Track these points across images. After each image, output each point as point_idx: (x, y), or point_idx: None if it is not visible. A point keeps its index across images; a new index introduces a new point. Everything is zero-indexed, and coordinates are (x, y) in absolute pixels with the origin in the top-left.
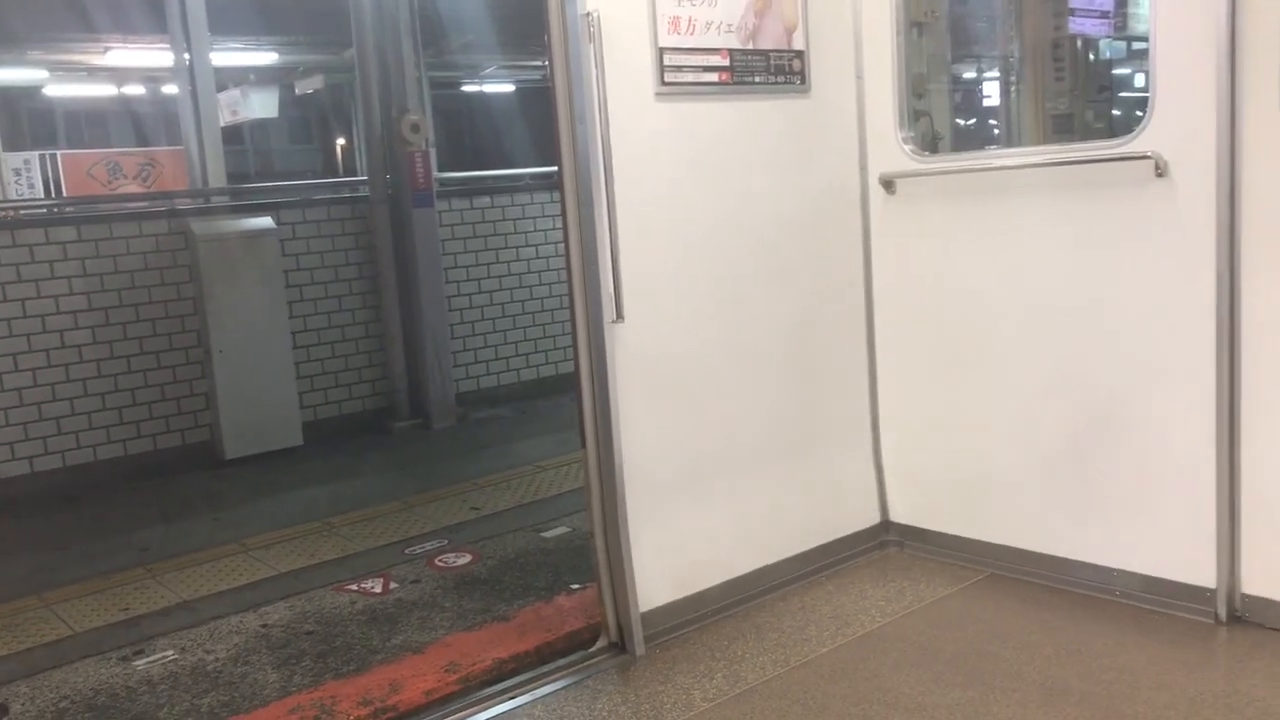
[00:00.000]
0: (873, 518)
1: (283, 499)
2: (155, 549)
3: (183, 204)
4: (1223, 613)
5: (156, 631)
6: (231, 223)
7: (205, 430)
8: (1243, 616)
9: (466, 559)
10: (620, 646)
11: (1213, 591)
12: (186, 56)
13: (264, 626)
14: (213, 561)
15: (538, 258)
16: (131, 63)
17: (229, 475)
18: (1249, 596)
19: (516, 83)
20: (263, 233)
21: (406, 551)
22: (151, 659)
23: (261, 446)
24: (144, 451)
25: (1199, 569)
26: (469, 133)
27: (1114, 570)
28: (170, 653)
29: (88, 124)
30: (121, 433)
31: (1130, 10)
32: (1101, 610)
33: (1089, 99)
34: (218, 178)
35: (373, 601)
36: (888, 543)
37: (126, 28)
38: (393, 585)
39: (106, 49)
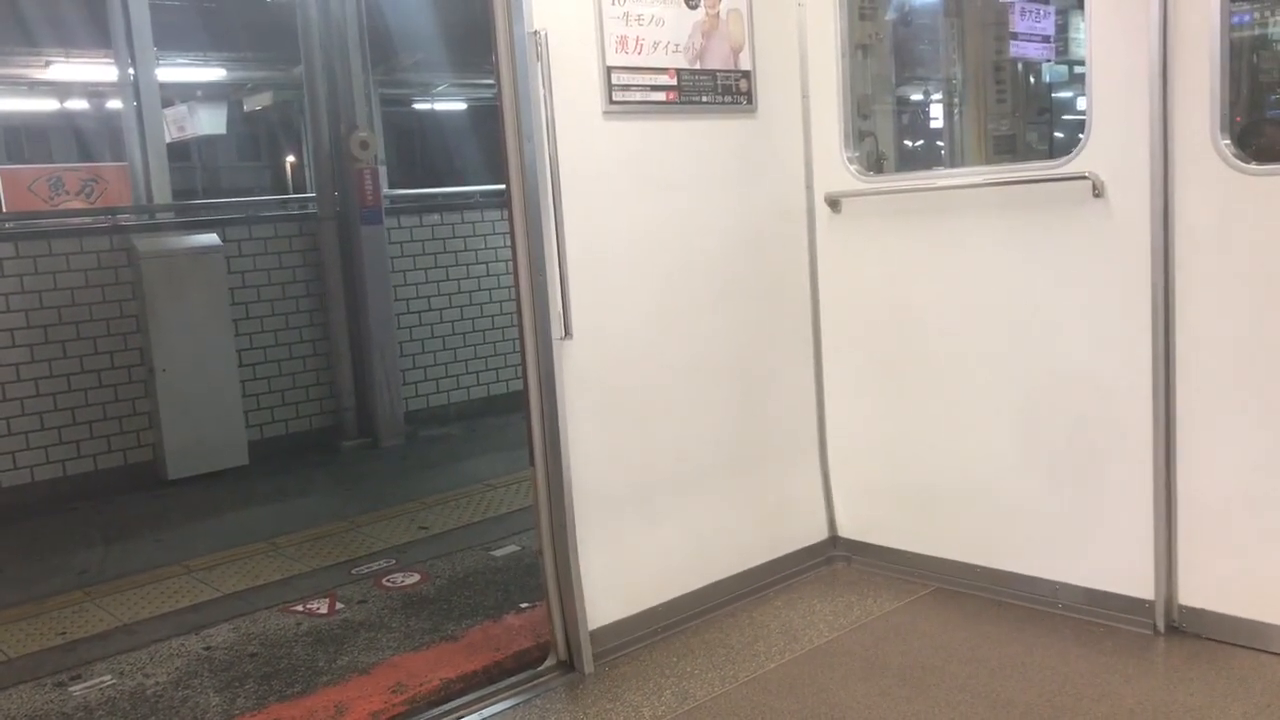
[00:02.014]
0: (820, 533)
1: (227, 519)
2: (94, 571)
3: (127, 220)
4: (1161, 624)
5: (94, 656)
6: (176, 239)
7: (148, 450)
8: (1180, 627)
9: (415, 578)
10: (569, 665)
11: (1151, 603)
12: (131, 71)
13: (206, 649)
14: (154, 584)
15: (488, 275)
16: (74, 77)
17: (172, 496)
18: (1186, 608)
19: (469, 100)
20: (208, 249)
21: (353, 572)
22: (89, 684)
23: (206, 466)
24: (84, 472)
25: (1139, 581)
26: (421, 150)
27: (1057, 584)
28: (108, 678)
29: (29, 139)
30: (60, 453)
31: (1072, 35)
32: (1045, 623)
33: (1030, 121)
34: (163, 194)
35: (319, 622)
36: (835, 558)
37: (69, 41)
38: (339, 606)
39: (48, 63)
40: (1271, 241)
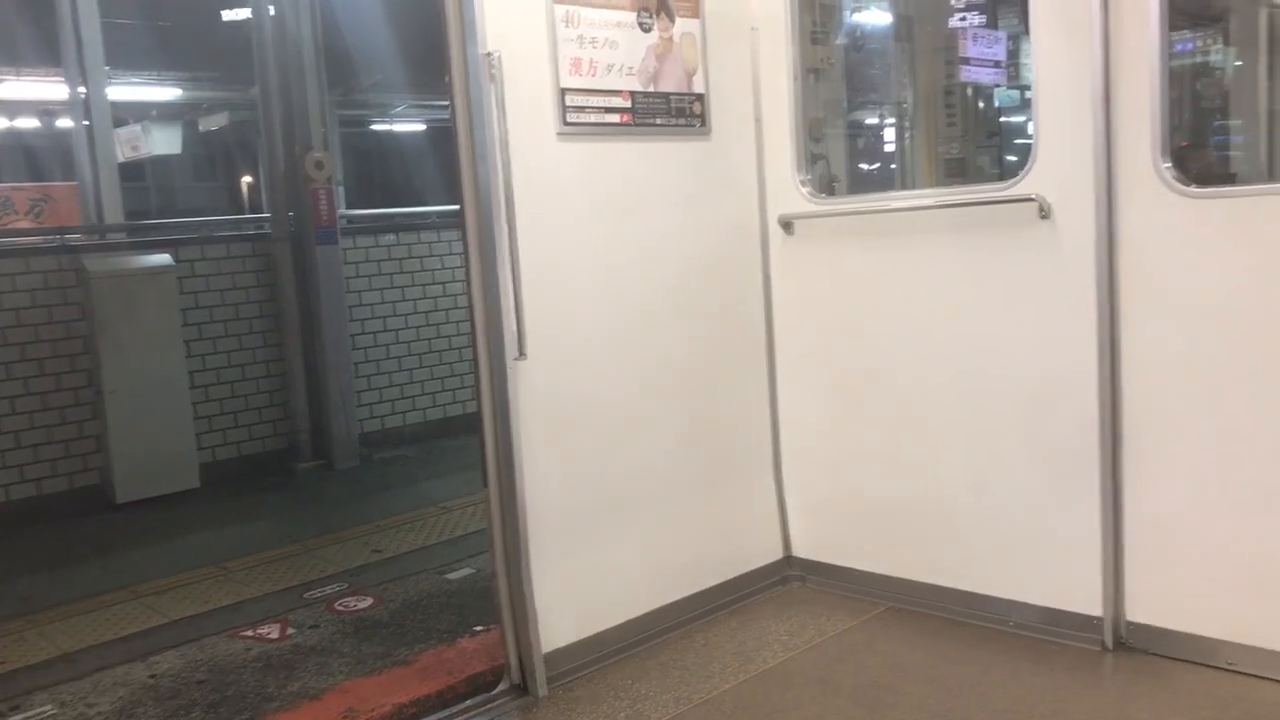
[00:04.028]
0: (775, 553)
1: (176, 543)
2: (38, 598)
3: (77, 240)
4: (1109, 640)
5: (35, 685)
6: (127, 259)
7: (95, 474)
8: (1128, 643)
9: (368, 602)
10: (523, 688)
11: (1100, 620)
12: (82, 90)
13: (152, 677)
14: (100, 610)
15: (445, 295)
16: (24, 95)
17: (120, 520)
18: (1133, 624)
19: (426, 121)
20: (160, 270)
21: (305, 596)
22: (28, 715)
23: (155, 490)
24: (27, 497)
25: (1088, 599)
26: (379, 171)
27: (1010, 602)
28: (49, 708)
29: None
30: (3, 477)
31: (1023, 61)
32: (998, 641)
33: (980, 144)
34: (114, 213)
35: (269, 647)
36: (790, 577)
37: (18, 59)
38: (290, 630)
39: None
40: (1211, 263)
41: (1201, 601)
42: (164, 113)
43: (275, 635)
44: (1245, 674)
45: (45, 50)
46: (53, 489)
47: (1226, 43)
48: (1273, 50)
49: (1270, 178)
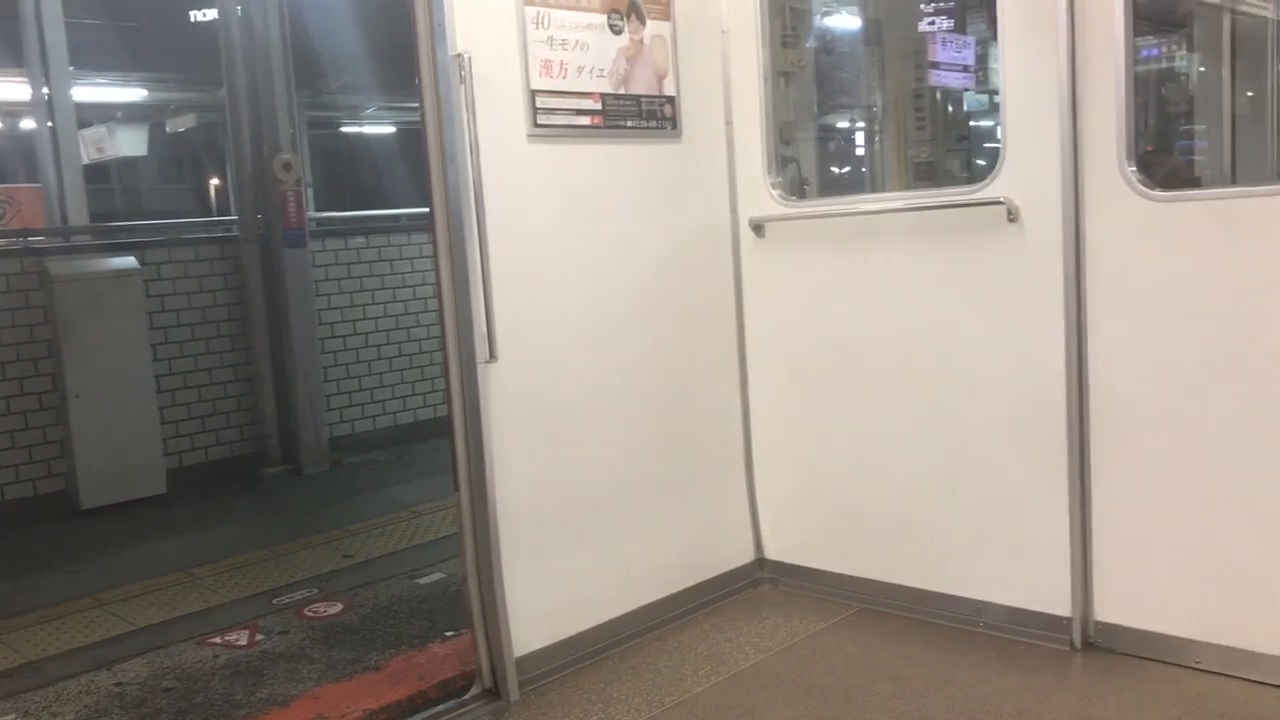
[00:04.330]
0: (747, 555)
1: (143, 550)
2: (1, 606)
3: (40, 243)
4: (1078, 640)
5: None
6: (92, 262)
7: (60, 479)
8: (1096, 643)
9: (338, 608)
10: (495, 693)
11: (1069, 620)
12: (45, 91)
13: (118, 685)
14: (64, 618)
15: (415, 299)
16: None
17: (85, 526)
18: (1102, 623)
19: (397, 123)
20: (125, 273)
21: (274, 602)
22: None
23: (121, 495)
24: None
25: (1057, 599)
26: (349, 173)
27: (979, 602)
28: (12, 717)
29: None
30: None
31: (992, 65)
32: (968, 641)
33: (949, 148)
34: (79, 216)
35: (237, 654)
36: (761, 580)
37: None
38: (259, 637)
39: None
40: (1175, 265)
41: (1169, 601)
42: (130, 114)
43: (244, 642)
44: (1212, 672)
45: (8, 51)
46: (16, 495)
47: (1190, 49)
48: (1235, 56)
49: (1233, 181)
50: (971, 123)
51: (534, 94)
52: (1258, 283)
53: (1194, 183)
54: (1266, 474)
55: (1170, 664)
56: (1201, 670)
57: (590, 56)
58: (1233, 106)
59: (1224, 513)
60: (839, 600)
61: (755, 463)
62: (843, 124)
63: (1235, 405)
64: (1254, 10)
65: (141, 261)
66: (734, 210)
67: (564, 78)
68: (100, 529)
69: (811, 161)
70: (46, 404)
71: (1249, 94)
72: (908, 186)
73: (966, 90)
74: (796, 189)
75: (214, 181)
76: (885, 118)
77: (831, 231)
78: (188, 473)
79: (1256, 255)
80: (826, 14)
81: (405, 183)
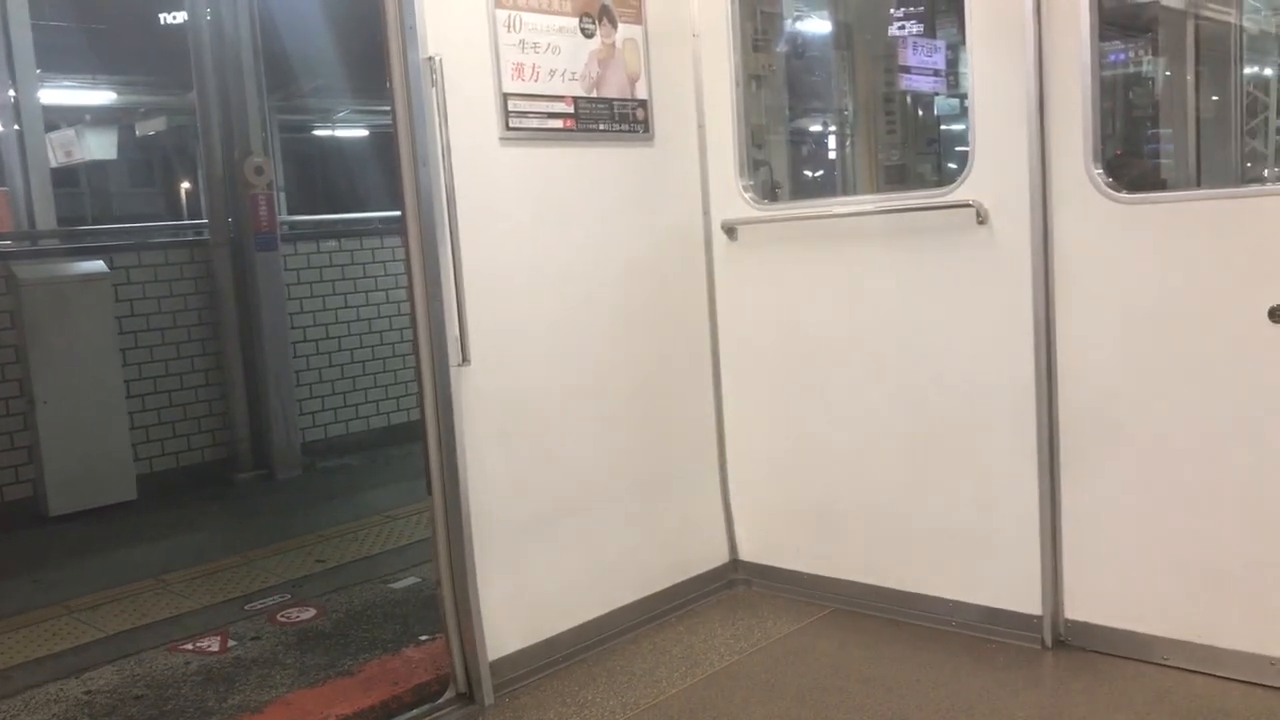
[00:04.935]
0: (721, 556)
1: (112, 556)
2: None
3: (6, 247)
4: (1049, 638)
5: None
6: (59, 266)
7: (27, 486)
8: (1066, 641)
9: (310, 613)
10: (469, 697)
11: (1040, 619)
12: (12, 93)
13: (87, 694)
14: (31, 626)
15: (388, 302)
16: None
17: (53, 533)
18: (1072, 622)
19: (369, 127)
20: (94, 277)
21: (246, 608)
22: None
23: (90, 502)
24: None
25: (1028, 598)
26: (322, 177)
27: (951, 602)
28: None
29: None
30: None
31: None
32: (940, 641)
33: (919, 151)
34: (47, 220)
35: (209, 661)
36: (736, 581)
37: None
38: (231, 643)
39: None
40: (1141, 267)
41: (1138, 599)
42: (99, 117)
43: (215, 648)
44: (1180, 669)
45: None
46: None
47: (1156, 53)
48: (1199, 61)
49: (1199, 184)
50: (942, 126)
51: (506, 97)
52: (1223, 283)
53: (1160, 185)
54: (1233, 472)
55: (1140, 660)
56: (1169, 666)
57: (562, 60)
58: (1197, 110)
59: (1191, 511)
60: (813, 601)
61: (729, 464)
62: (814, 127)
63: (1202, 404)
64: (1217, 15)
65: (110, 265)
66: (706, 213)
67: (536, 81)
68: (69, 535)
69: (783, 165)
70: (14, 410)
71: (1214, 98)
72: (879, 189)
73: (937, 94)
74: (768, 192)
75: (184, 185)
76: (856, 121)
77: (803, 234)
78: (158, 478)
79: (1221, 256)
80: (798, 18)
81: (377, 186)
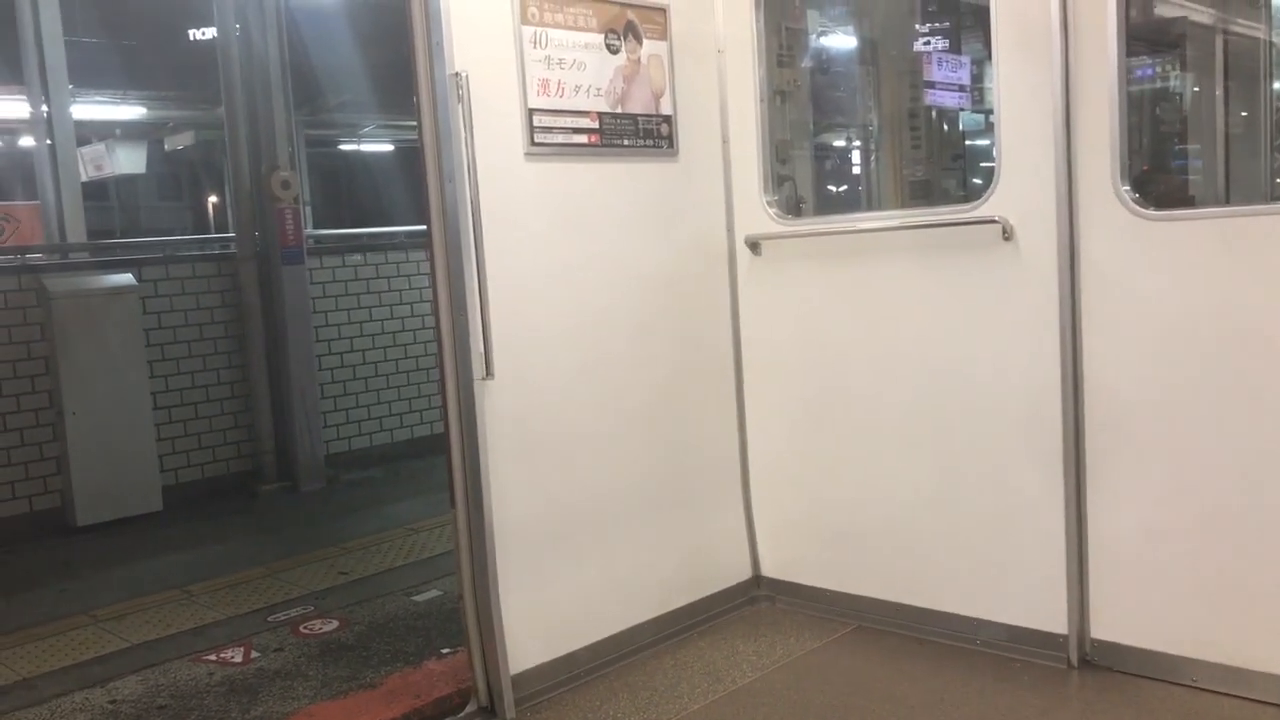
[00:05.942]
0: (744, 573)
1: (138, 567)
2: None
3: (38, 260)
4: (1074, 658)
5: None
6: (89, 279)
7: (56, 496)
8: (1092, 660)
9: (333, 625)
10: (490, 710)
11: (1065, 638)
12: (45, 108)
13: (112, 703)
14: (58, 635)
15: (412, 315)
16: None
17: (81, 543)
18: (1098, 641)
19: (395, 141)
20: (123, 290)
21: (270, 619)
22: None
23: (117, 512)
24: None
25: (1053, 617)
26: (347, 191)
27: (975, 620)
28: None
29: None
30: None
31: (988, 85)
32: (964, 659)
33: (945, 166)
34: (77, 233)
35: (232, 672)
36: (759, 597)
37: None
38: (254, 654)
39: None
40: (1169, 284)
41: (1165, 619)
42: (129, 131)
43: (239, 659)
44: (1209, 690)
45: (7, 68)
46: (12, 512)
47: (1184, 68)
48: (1228, 76)
49: (1227, 201)
50: (967, 141)
51: (531, 113)
52: (1251, 300)
53: (1188, 202)
54: (1262, 491)
55: (1167, 682)
56: (1198, 688)
57: (587, 75)
58: (1226, 126)
59: (1219, 530)
60: (835, 618)
61: (752, 479)
62: (839, 142)
63: (1230, 422)
64: (1246, 30)
65: (139, 278)
66: (730, 228)
67: (561, 96)
68: (95, 546)
69: (808, 180)
70: (43, 420)
71: (1242, 114)
72: (904, 205)
73: (962, 109)
74: (793, 207)
75: (212, 199)
76: (881, 136)
77: (828, 249)
78: (184, 490)
79: (1250, 273)
80: (822, 34)
81: (403, 200)
